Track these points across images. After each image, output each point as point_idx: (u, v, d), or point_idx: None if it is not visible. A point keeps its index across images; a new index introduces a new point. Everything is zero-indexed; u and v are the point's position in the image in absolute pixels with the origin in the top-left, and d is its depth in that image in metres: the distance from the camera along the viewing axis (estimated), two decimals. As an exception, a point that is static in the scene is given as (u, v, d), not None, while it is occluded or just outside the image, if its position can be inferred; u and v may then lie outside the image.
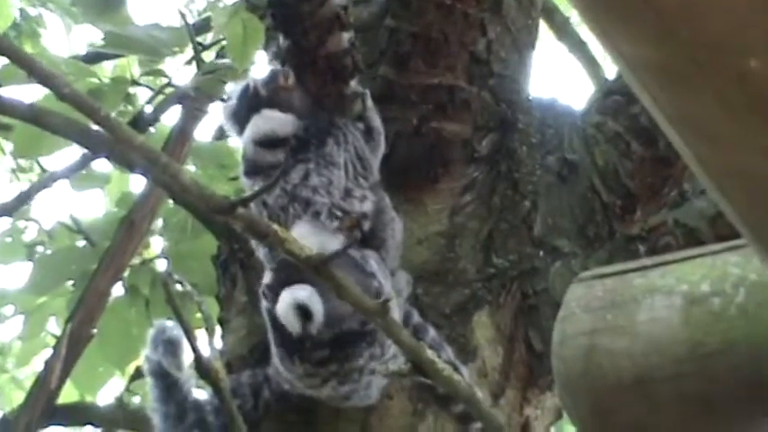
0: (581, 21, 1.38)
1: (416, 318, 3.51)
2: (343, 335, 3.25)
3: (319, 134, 3.51)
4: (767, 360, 1.86)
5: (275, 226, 2.57)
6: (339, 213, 3.40)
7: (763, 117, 1.31)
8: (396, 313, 3.28)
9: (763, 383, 1.88)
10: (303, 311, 3.18)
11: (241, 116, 3.58)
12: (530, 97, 4.08)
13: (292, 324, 3.19)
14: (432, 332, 3.50)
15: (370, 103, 3.67)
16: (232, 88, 3.70)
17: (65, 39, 6.73)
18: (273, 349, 3.38)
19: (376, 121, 3.66)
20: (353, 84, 3.64)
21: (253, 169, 3.53)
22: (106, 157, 4.20)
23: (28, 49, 6.02)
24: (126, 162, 3.83)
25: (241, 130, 3.58)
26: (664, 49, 1.30)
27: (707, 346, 1.87)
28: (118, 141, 2.62)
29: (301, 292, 3.18)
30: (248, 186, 3.54)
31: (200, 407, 3.43)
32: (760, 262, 1.71)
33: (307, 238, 3.15)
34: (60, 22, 6.71)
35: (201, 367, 3.00)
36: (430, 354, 2.69)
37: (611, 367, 1.93)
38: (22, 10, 6.26)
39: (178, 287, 4.24)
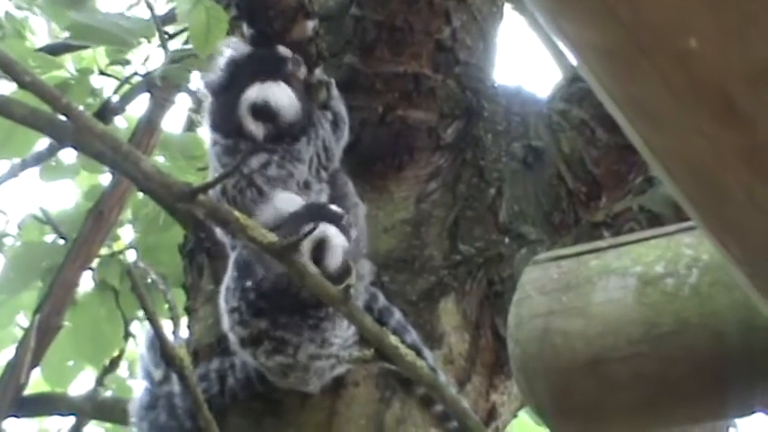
0: (528, 3, 1.40)
1: (382, 301, 3.53)
2: (287, 302, 3.29)
3: (296, 133, 3.51)
4: (720, 340, 1.88)
5: (237, 213, 2.58)
6: None
7: (704, 98, 1.33)
8: (359, 299, 3.32)
9: (717, 363, 1.90)
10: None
11: (241, 75, 3.54)
12: (495, 85, 4.09)
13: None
14: (397, 315, 3.51)
15: (335, 91, 3.68)
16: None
17: (48, 40, 6.67)
18: (223, 289, 3.42)
19: (341, 109, 3.67)
20: (318, 72, 3.65)
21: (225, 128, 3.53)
22: (72, 147, 4.20)
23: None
24: (92, 152, 3.83)
25: (228, 91, 3.54)
26: (606, 32, 1.32)
27: (661, 327, 1.89)
28: (80, 129, 2.63)
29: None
30: (214, 154, 3.53)
31: (170, 393, 3.46)
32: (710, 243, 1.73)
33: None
34: (45, 24, 6.70)
35: (166, 355, 3.02)
36: (393, 339, 2.71)
37: (566, 349, 1.95)
38: (7, 12, 6.25)
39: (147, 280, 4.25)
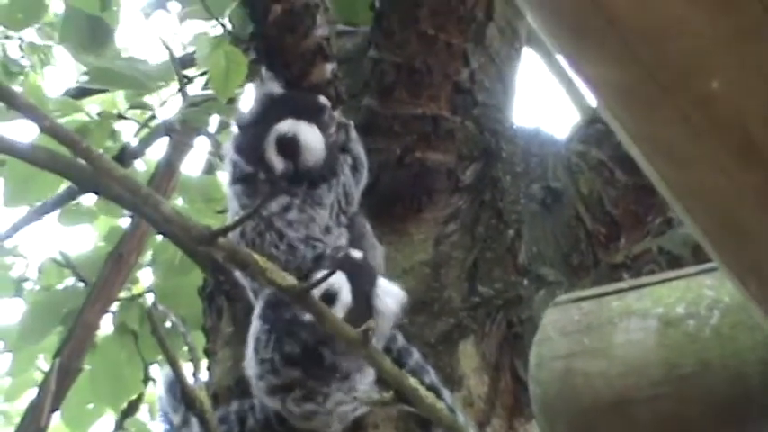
0: (546, 42, 1.40)
1: (401, 341, 3.52)
2: (320, 357, 3.29)
3: (314, 179, 3.51)
4: (741, 381, 1.87)
5: (256, 255, 2.58)
6: (316, 244, 3.42)
7: (724, 137, 1.33)
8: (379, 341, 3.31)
9: (738, 404, 1.89)
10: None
11: (277, 109, 3.54)
12: (514, 126, 4.09)
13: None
14: (416, 355, 3.50)
15: (353, 134, 3.68)
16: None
17: (72, 70, 6.71)
18: (250, 341, 3.41)
19: (360, 152, 3.67)
20: (337, 115, 3.66)
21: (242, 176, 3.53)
22: (92, 191, 4.22)
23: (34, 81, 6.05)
24: (112, 196, 3.85)
25: (260, 123, 3.55)
26: (627, 72, 1.32)
27: (682, 368, 1.89)
28: (100, 173, 2.63)
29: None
30: (234, 194, 3.53)
31: None
32: (731, 283, 1.72)
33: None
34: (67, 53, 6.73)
35: (186, 397, 3.02)
36: (412, 382, 2.70)
37: (588, 390, 1.94)
38: (31, 43, 6.30)
39: (167, 324, 4.25)
